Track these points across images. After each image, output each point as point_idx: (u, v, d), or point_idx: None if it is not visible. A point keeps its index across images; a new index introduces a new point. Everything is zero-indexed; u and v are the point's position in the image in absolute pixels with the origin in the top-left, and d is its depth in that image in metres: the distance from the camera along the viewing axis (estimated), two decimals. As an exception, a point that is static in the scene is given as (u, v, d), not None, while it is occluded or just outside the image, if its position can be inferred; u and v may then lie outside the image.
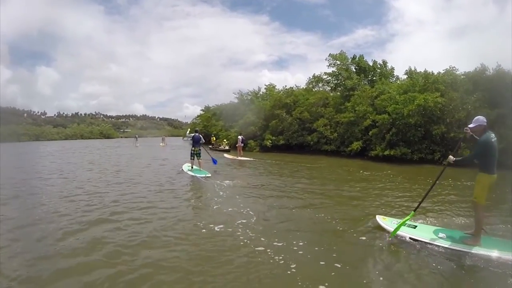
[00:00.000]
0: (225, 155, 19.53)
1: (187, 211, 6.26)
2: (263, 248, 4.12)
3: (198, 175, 10.37)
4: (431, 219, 5.40)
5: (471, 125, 4.24)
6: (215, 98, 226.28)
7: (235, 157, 17.76)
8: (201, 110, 49.28)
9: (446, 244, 4.04)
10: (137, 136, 41.42)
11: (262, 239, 4.48)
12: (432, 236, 4.27)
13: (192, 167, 11.19)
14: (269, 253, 3.99)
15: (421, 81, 17.49)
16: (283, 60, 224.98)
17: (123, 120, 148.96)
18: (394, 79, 23.25)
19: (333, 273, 3.43)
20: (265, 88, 31.75)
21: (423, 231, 4.46)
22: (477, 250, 3.84)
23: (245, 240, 4.44)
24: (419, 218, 5.28)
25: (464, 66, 18.52)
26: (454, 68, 16.95)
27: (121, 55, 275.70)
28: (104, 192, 7.85)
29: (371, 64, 23.44)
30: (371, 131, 17.26)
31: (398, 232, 4.46)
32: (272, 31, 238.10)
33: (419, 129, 15.64)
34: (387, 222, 4.89)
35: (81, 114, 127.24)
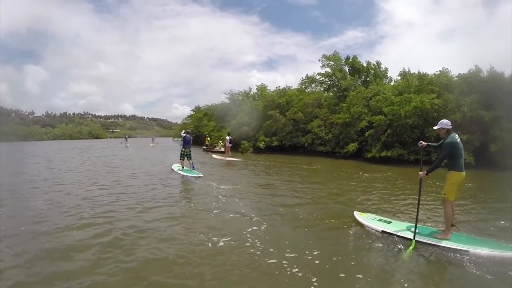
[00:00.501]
0: (214, 156, 19.44)
1: (189, 221, 5.58)
2: (275, 261, 3.77)
3: (189, 175, 10.46)
4: (406, 215, 5.75)
5: (435, 127, 4.65)
6: (205, 98, 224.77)
7: (223, 158, 17.67)
8: (191, 110, 48.78)
9: (417, 238, 4.20)
10: (127, 136, 40.91)
11: (271, 249, 4.11)
12: (405, 231, 4.54)
13: (182, 168, 11.21)
14: (285, 265, 3.64)
15: (415, 82, 17.42)
16: (272, 60, 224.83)
17: (112, 120, 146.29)
18: (388, 80, 23.03)
19: (357, 286, 3.20)
20: (256, 89, 31.40)
21: (396, 226, 4.75)
22: (446, 244, 4.07)
23: (256, 253, 4.04)
24: (396, 214, 5.82)
25: (454, 68, 18.49)
26: (447, 70, 16.98)
27: (110, 54, 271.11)
28: (98, 200, 7.13)
29: (364, 65, 23.00)
30: (367, 132, 16.96)
31: (373, 226, 4.87)
32: (262, 31, 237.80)
33: (414, 130, 15.48)
34: (364, 217, 5.24)
35: (69, 114, 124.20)
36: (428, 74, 17.29)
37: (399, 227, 4.72)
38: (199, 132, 37.35)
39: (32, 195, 7.63)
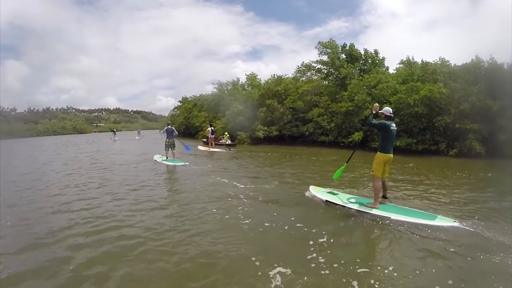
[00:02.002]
0: (199, 147, 18.93)
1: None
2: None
3: (176, 164, 10.86)
4: (354, 189, 6.65)
5: (381, 110, 5.14)
6: (189, 89, 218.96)
7: (207, 149, 17.37)
8: (178, 101, 46.60)
9: (355, 206, 5.12)
10: (115, 130, 40.65)
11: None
12: (345, 201, 5.38)
13: (167, 158, 11.64)
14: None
15: (418, 71, 16.69)
16: (257, 50, 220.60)
17: (96, 114, 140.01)
18: (385, 68, 21.91)
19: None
20: (246, 78, 30.09)
21: (340, 197, 5.58)
22: (375, 212, 4.85)
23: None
24: (347, 188, 6.75)
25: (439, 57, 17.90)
26: (443, 59, 16.38)
27: (92, 47, 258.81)
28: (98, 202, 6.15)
29: (362, 53, 21.79)
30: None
31: (318, 195, 5.81)
32: (246, 21, 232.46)
33: (422, 119, 14.84)
34: (317, 191, 6.06)
35: (52, 109, 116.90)
36: (430, 63, 16.60)
37: (342, 198, 5.57)
38: (189, 124, 35.35)
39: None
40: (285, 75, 24.73)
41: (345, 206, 5.22)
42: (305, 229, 4.33)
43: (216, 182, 7.80)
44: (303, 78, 24.18)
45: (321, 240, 3.94)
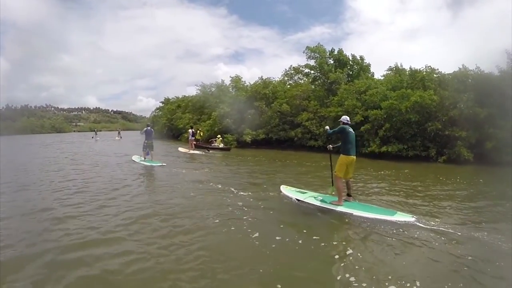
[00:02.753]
0: (180, 148, 18.30)
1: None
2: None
3: (153, 164, 10.88)
4: (322, 189, 6.81)
5: (340, 120, 5.74)
6: (170, 91, 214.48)
7: (187, 151, 16.88)
8: (160, 102, 44.66)
9: (321, 204, 5.47)
10: (96, 130, 40.97)
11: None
12: (312, 199, 5.74)
13: (144, 158, 11.59)
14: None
15: (407, 78, 16.60)
16: (239, 54, 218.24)
17: (75, 113, 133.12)
18: (370, 74, 21.69)
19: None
20: (230, 80, 29.30)
21: (307, 196, 5.94)
22: (339, 209, 5.22)
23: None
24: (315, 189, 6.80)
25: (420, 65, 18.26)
26: (429, 67, 16.40)
27: (74, 45, 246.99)
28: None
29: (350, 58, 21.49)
30: (363, 127, 15.41)
31: (289, 194, 6.10)
32: (229, 24, 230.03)
33: (413, 126, 14.62)
34: (288, 190, 6.33)
35: (30, 107, 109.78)
36: (420, 71, 16.55)
37: (310, 196, 5.87)
38: (172, 125, 33.82)
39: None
40: (272, 78, 23.97)
41: (312, 204, 5.54)
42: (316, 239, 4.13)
43: (210, 188, 7.29)
44: (290, 82, 23.59)
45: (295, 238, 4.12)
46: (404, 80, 16.41)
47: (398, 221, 4.61)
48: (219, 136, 20.01)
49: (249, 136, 19.97)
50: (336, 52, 21.78)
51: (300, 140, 18.61)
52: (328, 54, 21.92)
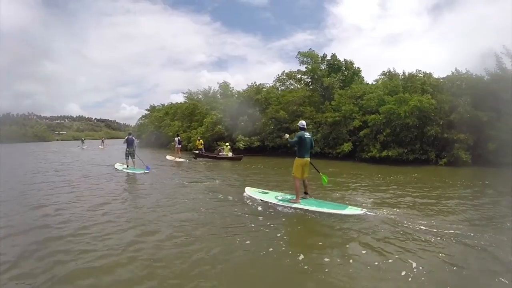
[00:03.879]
0: (167, 156, 17.51)
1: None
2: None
3: (136, 171, 10.78)
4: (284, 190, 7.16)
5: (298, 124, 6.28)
6: (154, 98, 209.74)
7: (173, 159, 16.25)
8: (146, 110, 42.99)
9: (280, 202, 5.89)
10: (83, 138, 41.00)
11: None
12: (273, 198, 6.13)
13: (127, 166, 11.55)
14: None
15: (401, 83, 16.45)
16: (222, 61, 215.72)
17: (58, 121, 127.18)
18: (361, 79, 21.27)
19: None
20: (219, 87, 28.51)
21: (269, 195, 6.36)
22: (297, 205, 5.63)
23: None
24: (276, 189, 7.26)
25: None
26: (419, 71, 16.51)
27: (57, 52, 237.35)
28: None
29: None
30: (362, 132, 14.83)
31: (253, 195, 6.47)
32: (213, 31, 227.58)
33: (412, 129, 14.33)
34: (252, 191, 6.73)
35: (13, 115, 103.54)
36: (416, 75, 16.51)
37: (271, 196, 6.31)
38: (160, 133, 32.23)
39: None
40: (266, 83, 23.09)
41: (273, 203, 5.93)
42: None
43: (221, 200, 6.58)
44: (282, 88, 22.83)
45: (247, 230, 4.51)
46: (399, 85, 16.16)
47: (349, 214, 5.12)
48: (227, 144, 17.70)
49: (242, 143, 18.97)
50: (329, 57, 21.27)
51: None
52: (320, 59, 21.37)
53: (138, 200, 6.66)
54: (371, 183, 8.97)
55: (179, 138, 17.34)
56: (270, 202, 5.97)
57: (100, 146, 33.91)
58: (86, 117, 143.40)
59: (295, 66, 20.20)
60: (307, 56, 21.23)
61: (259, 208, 5.71)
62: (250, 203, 6.07)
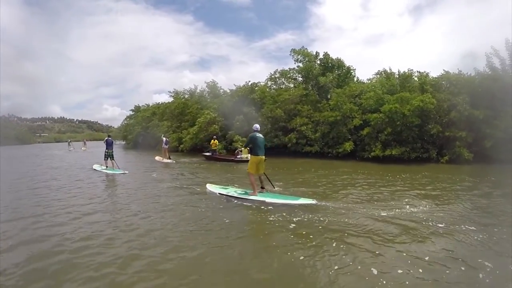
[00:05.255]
0: (156, 158, 16.26)
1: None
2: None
3: (115, 172, 10.74)
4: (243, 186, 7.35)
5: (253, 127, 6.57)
6: (136, 99, 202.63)
7: (162, 159, 15.55)
8: (130, 110, 40.74)
9: (240, 196, 6.11)
10: (69, 140, 38.39)
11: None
12: (233, 192, 6.37)
13: (106, 167, 11.44)
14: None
15: (398, 82, 16.04)
16: (205, 61, 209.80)
17: (39, 123, 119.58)
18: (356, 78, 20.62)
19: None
20: (206, 86, 27.35)
21: (229, 190, 6.55)
22: (254, 198, 5.92)
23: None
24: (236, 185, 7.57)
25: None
26: (411, 70, 16.13)
27: (38, 51, 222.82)
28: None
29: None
30: (364, 131, 14.13)
31: (213, 190, 6.75)
32: (195, 31, 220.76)
33: (413, 128, 13.95)
34: (213, 187, 6.97)
35: None
36: (411, 74, 16.13)
37: (231, 191, 6.53)
38: (148, 134, 30.20)
39: None
40: (259, 82, 21.91)
41: (232, 196, 6.18)
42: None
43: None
44: (275, 86, 21.74)
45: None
46: (396, 84, 15.78)
47: (302, 204, 5.49)
48: (241, 146, 15.93)
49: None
50: (322, 56, 20.39)
51: (295, 146, 16.72)
52: (314, 57, 20.46)
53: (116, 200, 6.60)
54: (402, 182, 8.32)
55: (166, 138, 16.72)
56: (229, 195, 6.26)
57: (83, 148, 32.48)
58: (68, 118, 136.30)
59: (277, 66, 19.44)
60: (301, 54, 20.31)
61: (220, 204, 5.88)
62: (214, 198, 6.31)
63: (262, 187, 6.41)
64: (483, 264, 3.10)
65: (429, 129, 13.57)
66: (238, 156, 14.73)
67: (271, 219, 4.80)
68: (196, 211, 5.32)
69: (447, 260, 3.22)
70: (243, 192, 6.30)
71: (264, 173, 6.61)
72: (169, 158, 15.58)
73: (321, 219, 4.66)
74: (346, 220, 4.61)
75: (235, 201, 5.98)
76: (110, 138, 11.87)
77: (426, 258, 3.26)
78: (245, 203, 5.78)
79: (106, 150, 11.54)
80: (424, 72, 15.80)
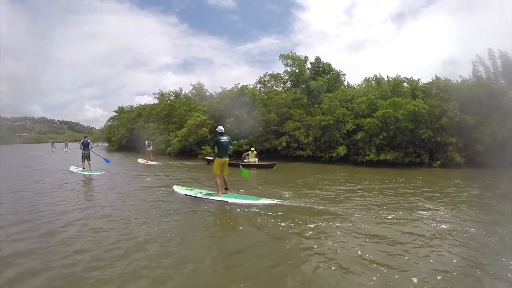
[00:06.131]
0: (139, 160, 16.09)
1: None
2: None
3: (92, 173, 10.68)
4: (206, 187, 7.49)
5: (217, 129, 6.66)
6: (118, 100, 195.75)
7: (145, 162, 15.27)
8: (114, 111, 38.54)
9: (205, 196, 6.24)
10: (53, 141, 37.76)
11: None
12: (198, 193, 6.46)
13: (83, 168, 11.39)
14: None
15: (389, 87, 15.76)
16: (188, 63, 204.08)
17: (20, 123, 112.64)
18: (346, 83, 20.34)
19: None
20: (192, 87, 26.57)
21: (195, 192, 6.62)
22: (217, 198, 6.04)
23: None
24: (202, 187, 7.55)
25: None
26: (398, 76, 15.98)
27: (19, 49, 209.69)
28: None
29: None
30: (358, 135, 13.61)
31: (179, 191, 6.79)
32: (179, 33, 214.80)
33: (406, 133, 13.73)
34: (179, 188, 7.02)
35: None
36: (402, 80, 15.96)
37: (196, 192, 6.58)
38: (133, 136, 28.56)
39: None
40: (248, 85, 21.12)
41: (198, 197, 6.30)
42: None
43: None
44: (263, 90, 21.05)
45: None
46: (387, 89, 15.55)
47: (263, 203, 5.65)
48: (252, 148, 14.18)
49: (232, 147, 16.72)
50: (313, 60, 19.97)
51: (286, 150, 16.01)
52: (304, 62, 19.94)
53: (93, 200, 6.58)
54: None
55: (148, 141, 16.82)
56: (195, 196, 6.33)
57: (65, 149, 30.74)
58: (49, 118, 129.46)
59: (260, 70, 18.81)
60: (290, 59, 19.75)
61: (185, 201, 6.15)
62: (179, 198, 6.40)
63: (226, 188, 6.49)
64: (486, 264, 3.12)
65: (420, 134, 13.46)
66: (245, 160, 13.15)
67: (227, 218, 5.13)
68: (155, 211, 5.39)
69: (450, 261, 3.22)
70: (208, 193, 6.42)
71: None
72: (152, 161, 15.32)
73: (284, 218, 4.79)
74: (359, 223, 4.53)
75: (201, 201, 6.06)
76: (86, 140, 11.68)
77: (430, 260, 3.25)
78: (209, 204, 5.89)
79: (83, 152, 11.41)
80: (412, 77, 15.77)
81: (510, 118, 12.80)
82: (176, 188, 6.98)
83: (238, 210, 5.39)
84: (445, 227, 4.35)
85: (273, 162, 13.12)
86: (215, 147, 6.27)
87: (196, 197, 6.27)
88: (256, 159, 13.37)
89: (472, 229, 4.26)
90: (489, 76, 14.92)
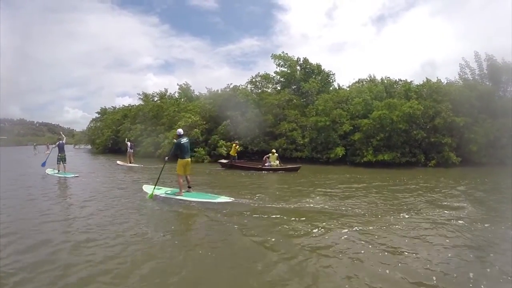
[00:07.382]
0: (118, 162, 15.73)
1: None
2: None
3: (66, 176, 10.49)
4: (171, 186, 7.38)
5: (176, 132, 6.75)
6: (98, 101, 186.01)
7: (126, 163, 15.03)
8: (96, 113, 36.46)
9: (169, 196, 6.35)
10: (35, 144, 37.21)
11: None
12: (163, 193, 6.55)
13: (58, 171, 11.18)
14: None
15: (383, 88, 15.57)
16: (169, 64, 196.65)
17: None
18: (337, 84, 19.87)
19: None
20: (178, 88, 25.75)
21: (162, 191, 6.68)
22: (180, 197, 6.17)
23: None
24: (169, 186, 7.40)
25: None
26: (387, 78, 16.30)
27: None
28: None
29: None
30: (355, 136, 13.03)
31: (146, 190, 6.76)
32: (161, 33, 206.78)
33: (401, 134, 13.46)
34: (147, 188, 6.97)
35: None
36: (396, 81, 16.13)
37: (162, 191, 6.67)
38: (118, 138, 26.59)
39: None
40: (240, 85, 20.07)
41: (163, 196, 6.40)
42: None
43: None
44: (255, 90, 20.08)
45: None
46: (382, 90, 15.32)
47: (220, 201, 5.88)
48: (273, 150, 12.48)
49: (225, 148, 15.69)
50: (301, 61, 19.21)
51: (283, 151, 15.17)
52: (295, 62, 19.20)
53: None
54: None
55: (131, 143, 16.41)
56: (160, 195, 6.45)
57: (47, 152, 28.02)
58: (28, 120, 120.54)
59: (241, 71, 18.06)
60: (282, 59, 18.96)
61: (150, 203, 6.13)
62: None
63: (189, 187, 6.67)
64: (489, 261, 3.11)
65: (414, 134, 13.29)
66: (266, 164, 11.75)
67: (184, 215, 5.30)
68: (120, 211, 5.43)
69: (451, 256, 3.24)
70: (171, 192, 6.57)
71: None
72: (131, 162, 15.08)
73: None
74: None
75: (167, 200, 6.22)
76: (61, 142, 11.59)
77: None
78: (172, 202, 6.06)
79: (59, 154, 11.30)
80: (404, 79, 15.55)
81: (499, 118, 12.84)
82: (145, 188, 7.10)
83: (196, 206, 5.74)
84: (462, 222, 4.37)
85: (298, 165, 11.97)
86: (178, 151, 6.38)
87: (161, 195, 6.43)
88: (278, 162, 11.95)
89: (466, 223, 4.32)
90: (475, 78, 14.98)
